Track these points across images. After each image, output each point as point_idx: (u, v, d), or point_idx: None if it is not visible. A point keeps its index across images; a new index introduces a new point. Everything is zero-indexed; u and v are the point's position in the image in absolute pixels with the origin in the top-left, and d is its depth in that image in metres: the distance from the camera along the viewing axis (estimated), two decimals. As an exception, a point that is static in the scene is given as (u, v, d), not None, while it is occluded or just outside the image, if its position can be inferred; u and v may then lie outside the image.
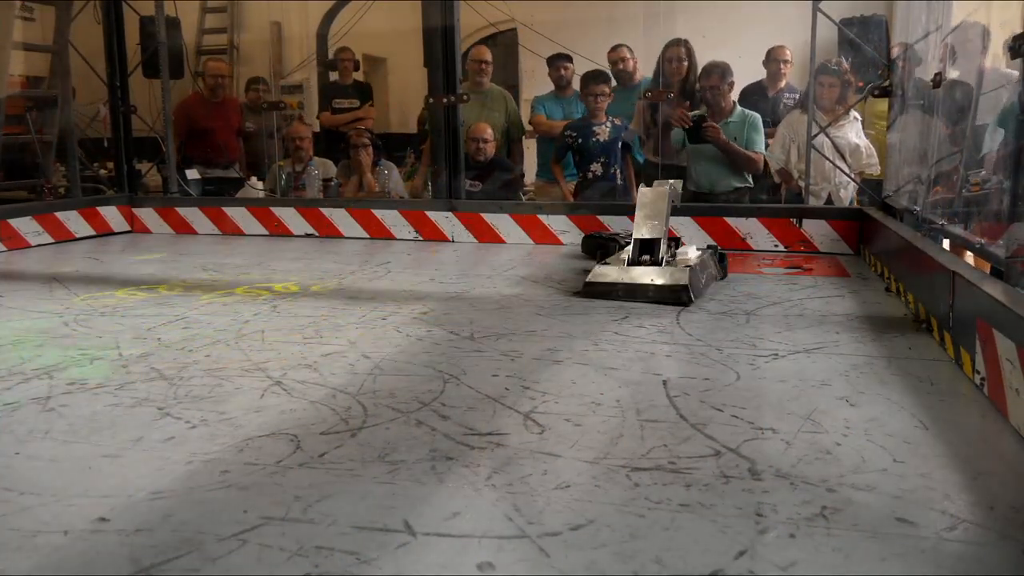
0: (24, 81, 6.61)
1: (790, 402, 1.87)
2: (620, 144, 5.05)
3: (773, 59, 5.25)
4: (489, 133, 5.32)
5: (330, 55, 7.97)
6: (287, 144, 6.11)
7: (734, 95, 4.99)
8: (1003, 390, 1.76)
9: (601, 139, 5.01)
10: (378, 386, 2.02)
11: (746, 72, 5.50)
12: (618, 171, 5.00)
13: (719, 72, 4.88)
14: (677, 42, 5.26)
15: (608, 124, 5.02)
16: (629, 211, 4.55)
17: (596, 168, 5.03)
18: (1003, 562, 1.20)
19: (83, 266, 4.12)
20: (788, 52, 5.18)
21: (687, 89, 5.25)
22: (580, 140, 5.07)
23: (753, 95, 5.36)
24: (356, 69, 6.87)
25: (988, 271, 2.78)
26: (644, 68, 5.57)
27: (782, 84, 5.27)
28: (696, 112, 4.88)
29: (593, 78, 5.14)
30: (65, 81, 5.69)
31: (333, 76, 6.81)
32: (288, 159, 6.05)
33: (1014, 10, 2.74)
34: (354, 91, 6.64)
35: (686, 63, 5.27)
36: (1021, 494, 1.41)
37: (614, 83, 5.27)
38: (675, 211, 4.51)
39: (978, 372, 1.94)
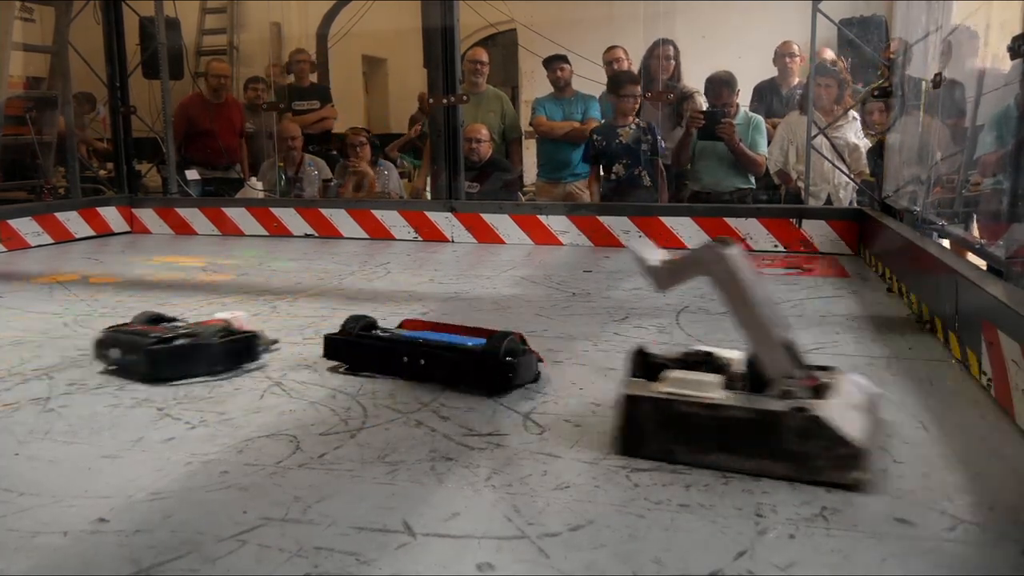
0: (25, 82, 6.61)
1: (790, 402, 1.87)
2: (644, 145, 4.99)
3: (779, 55, 5.24)
4: (484, 133, 5.32)
5: (330, 55, 7.97)
6: (279, 144, 6.11)
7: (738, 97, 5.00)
8: (1009, 391, 1.76)
9: (623, 140, 4.98)
10: (377, 387, 2.02)
11: (745, 72, 5.50)
12: (643, 172, 4.97)
13: (727, 87, 4.87)
14: (663, 42, 5.26)
15: (631, 126, 4.98)
16: (639, 211, 4.57)
17: (618, 169, 5.01)
18: (1003, 562, 1.19)
19: (83, 266, 4.12)
20: (795, 46, 5.17)
21: (672, 87, 5.28)
22: (604, 143, 5.05)
23: (766, 92, 5.35)
24: (313, 71, 6.81)
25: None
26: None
27: (794, 80, 5.25)
28: (711, 108, 4.87)
29: (628, 80, 5.11)
30: (65, 81, 5.69)
31: (290, 79, 6.74)
32: (281, 160, 6.05)
33: (1014, 10, 2.74)
34: (313, 92, 6.59)
35: (672, 62, 5.27)
36: (1021, 494, 1.41)
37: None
38: (673, 211, 4.54)
39: (984, 373, 1.94)
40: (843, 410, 1.48)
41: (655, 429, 1.56)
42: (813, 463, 1.43)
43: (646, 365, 1.70)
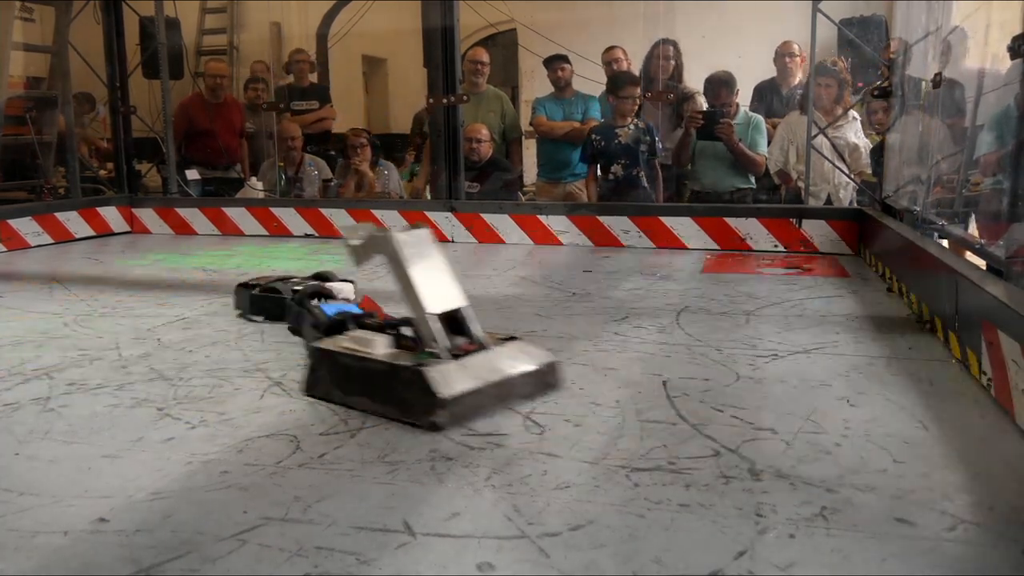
0: (25, 82, 6.61)
1: (790, 402, 1.87)
2: (643, 146, 4.98)
3: (779, 55, 5.25)
4: (484, 133, 5.31)
5: (330, 55, 7.96)
6: (279, 144, 6.12)
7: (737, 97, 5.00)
8: (1009, 391, 1.76)
9: (622, 140, 4.99)
10: (378, 386, 2.02)
11: (745, 72, 5.51)
12: (641, 173, 4.97)
13: (726, 88, 4.87)
14: (664, 42, 5.27)
15: (630, 127, 4.98)
16: (639, 211, 4.57)
17: (616, 170, 5.01)
18: (1003, 562, 1.19)
19: (82, 266, 4.12)
20: (795, 46, 5.18)
21: (672, 87, 5.28)
22: (603, 143, 5.05)
23: (766, 92, 5.35)
24: (312, 71, 6.80)
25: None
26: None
27: (795, 80, 5.25)
28: (710, 107, 4.88)
29: (627, 81, 5.08)
30: (65, 81, 5.69)
31: (288, 79, 6.73)
32: (281, 160, 6.06)
33: (1014, 10, 2.74)
34: (312, 93, 6.57)
35: (673, 62, 5.27)
36: (1021, 494, 1.41)
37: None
38: (673, 211, 4.54)
39: (984, 373, 1.94)
40: (454, 370, 1.78)
41: (326, 375, 1.91)
42: (411, 407, 1.74)
43: (364, 326, 2.05)
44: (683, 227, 4.43)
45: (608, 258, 4.13)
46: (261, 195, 5.83)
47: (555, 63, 5.60)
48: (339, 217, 5.05)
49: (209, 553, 1.22)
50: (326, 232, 5.08)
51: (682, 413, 1.80)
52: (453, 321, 1.90)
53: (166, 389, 2.03)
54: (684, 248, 4.40)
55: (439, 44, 4.72)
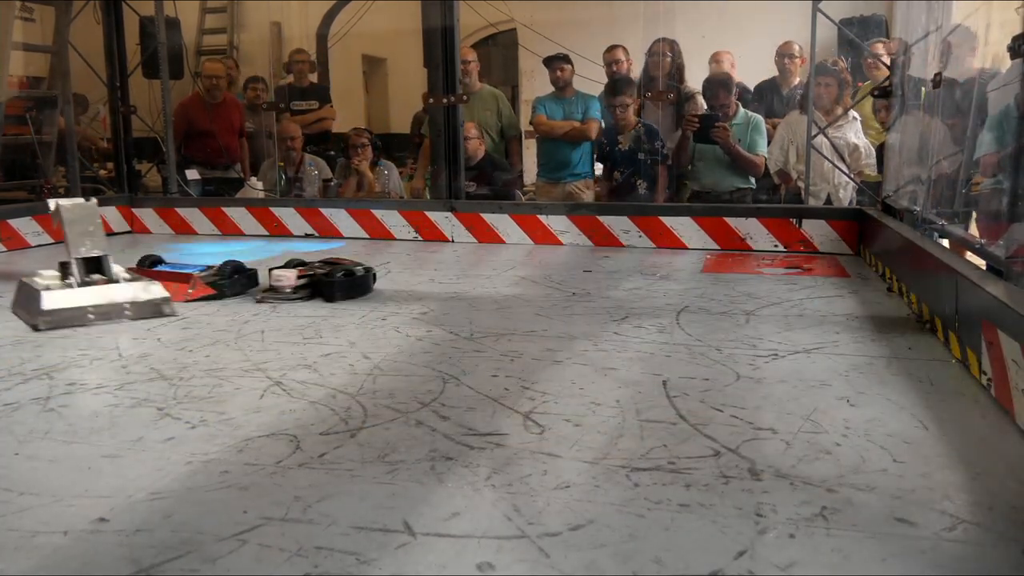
0: (25, 82, 6.60)
1: (790, 402, 1.87)
2: (641, 153, 5.02)
3: (780, 55, 5.26)
4: (473, 132, 5.30)
5: (330, 55, 7.97)
6: (279, 143, 6.12)
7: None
8: (1009, 391, 1.76)
9: (623, 148, 5.03)
10: (377, 386, 2.02)
11: (747, 72, 5.51)
12: (640, 180, 5.02)
13: (724, 89, 4.89)
14: (664, 41, 5.30)
15: (631, 133, 5.02)
16: (639, 211, 4.58)
17: (617, 176, 5.08)
18: (1003, 562, 1.20)
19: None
20: (796, 47, 5.18)
21: (673, 87, 5.30)
22: (608, 148, 5.10)
23: (766, 92, 5.36)
24: (312, 71, 6.80)
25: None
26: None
27: (795, 81, 5.26)
28: (705, 112, 4.89)
29: (616, 90, 5.11)
30: (65, 81, 5.69)
31: (288, 79, 6.73)
32: (281, 159, 6.06)
33: (1013, 10, 2.74)
34: (312, 93, 6.56)
35: (669, 59, 5.28)
36: (1021, 494, 1.41)
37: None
38: (673, 211, 4.54)
39: (984, 373, 1.94)
40: (66, 293, 2.74)
41: (18, 298, 2.90)
42: (31, 314, 2.70)
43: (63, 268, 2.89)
44: (683, 227, 4.43)
45: (608, 258, 4.13)
46: (261, 195, 5.82)
47: (555, 63, 5.59)
48: (339, 217, 5.06)
49: (209, 553, 1.22)
50: (326, 232, 5.08)
51: (682, 413, 1.80)
52: (98, 265, 2.85)
53: (166, 389, 2.03)
54: (684, 248, 4.40)
55: (439, 44, 4.72)
